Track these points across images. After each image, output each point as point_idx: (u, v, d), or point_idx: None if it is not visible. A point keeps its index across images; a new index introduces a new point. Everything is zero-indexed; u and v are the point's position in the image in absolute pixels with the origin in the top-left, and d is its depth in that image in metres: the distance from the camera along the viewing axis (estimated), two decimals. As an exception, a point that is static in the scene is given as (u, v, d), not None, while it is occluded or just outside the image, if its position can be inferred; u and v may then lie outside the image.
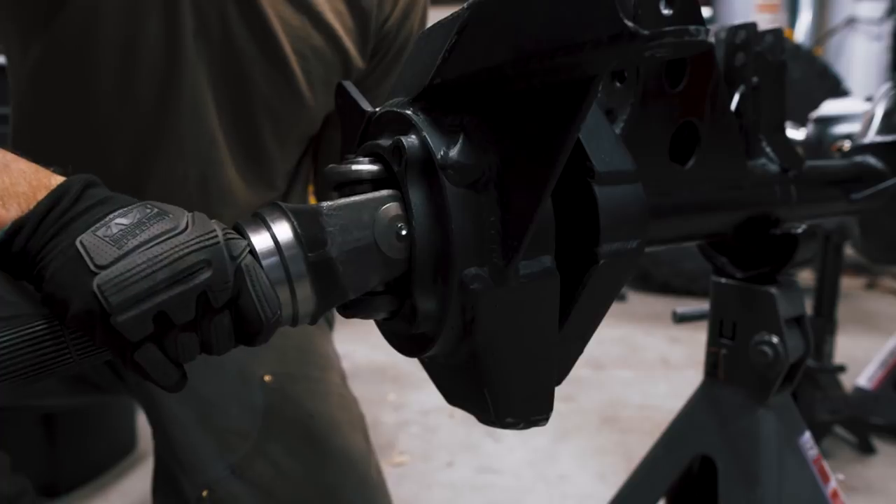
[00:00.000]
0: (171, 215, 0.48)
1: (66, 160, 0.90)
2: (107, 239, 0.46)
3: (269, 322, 0.47)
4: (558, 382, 0.54)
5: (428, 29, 0.51)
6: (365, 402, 1.18)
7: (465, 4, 0.45)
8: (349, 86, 0.61)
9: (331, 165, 0.53)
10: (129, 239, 0.46)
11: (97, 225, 0.47)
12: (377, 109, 0.55)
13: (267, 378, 1.03)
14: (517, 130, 0.46)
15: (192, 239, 0.46)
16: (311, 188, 1.27)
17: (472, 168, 0.47)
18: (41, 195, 0.52)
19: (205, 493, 0.97)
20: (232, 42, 0.93)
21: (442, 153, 0.47)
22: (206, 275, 0.45)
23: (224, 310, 0.47)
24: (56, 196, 0.51)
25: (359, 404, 1.14)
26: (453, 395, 0.56)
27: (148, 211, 0.48)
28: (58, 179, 0.54)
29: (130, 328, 0.44)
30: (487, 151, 0.47)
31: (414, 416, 2.26)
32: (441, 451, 2.02)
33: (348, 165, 0.52)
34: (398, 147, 0.48)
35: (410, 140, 0.48)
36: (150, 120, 0.95)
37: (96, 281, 0.44)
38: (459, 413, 0.69)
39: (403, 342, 0.55)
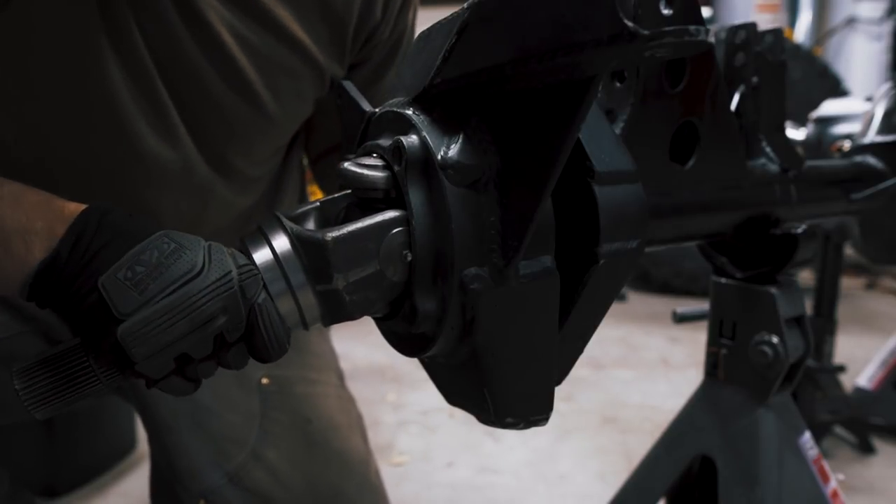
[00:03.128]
0: (188, 251, 0.49)
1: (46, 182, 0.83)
2: (128, 283, 0.48)
3: (278, 355, 0.51)
4: (558, 382, 0.54)
5: (428, 29, 0.51)
6: (365, 402, 1.18)
7: (465, 4, 0.45)
8: (349, 86, 0.61)
9: (342, 166, 0.52)
10: (150, 283, 0.48)
11: (118, 265, 0.49)
12: (377, 109, 0.55)
13: (264, 381, 1.02)
14: (517, 130, 0.46)
15: (210, 285, 0.48)
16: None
17: (472, 168, 0.47)
18: (60, 229, 0.53)
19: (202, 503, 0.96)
20: (189, 67, 0.82)
21: (442, 153, 0.47)
22: (222, 320, 0.48)
23: (239, 342, 0.51)
24: (77, 233, 0.52)
25: (356, 404, 1.14)
26: (453, 395, 0.56)
27: (166, 247, 0.49)
28: (71, 208, 0.54)
29: (153, 372, 0.49)
30: (487, 151, 0.47)
31: (414, 416, 2.26)
32: (441, 451, 2.02)
33: (361, 170, 0.51)
34: (398, 147, 0.48)
35: (410, 140, 0.48)
36: (117, 150, 0.84)
37: (120, 331, 0.47)
38: (459, 413, 0.69)
39: (403, 342, 0.55)
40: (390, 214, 0.49)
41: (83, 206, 0.54)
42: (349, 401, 1.12)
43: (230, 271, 0.49)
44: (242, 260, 0.50)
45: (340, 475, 1.01)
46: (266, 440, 0.99)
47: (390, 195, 0.50)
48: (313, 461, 0.99)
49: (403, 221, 0.49)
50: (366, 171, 0.50)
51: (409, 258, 0.49)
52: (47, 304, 0.54)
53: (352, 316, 0.51)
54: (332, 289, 0.49)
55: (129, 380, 0.52)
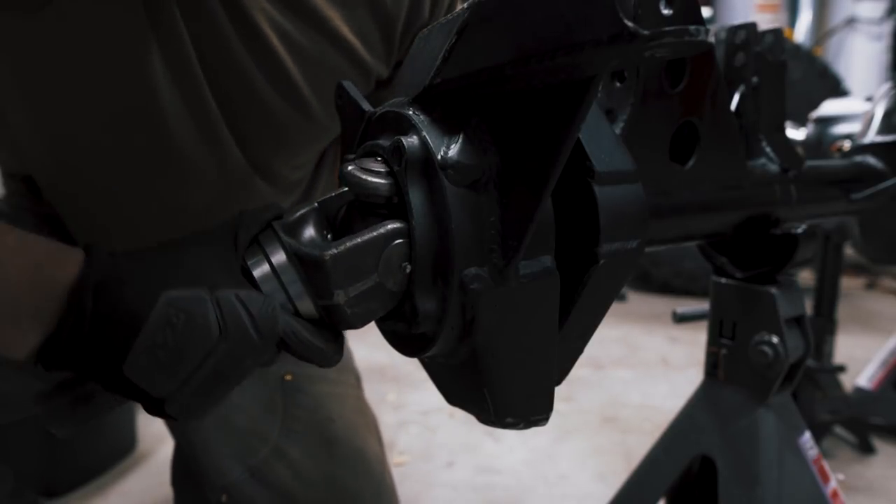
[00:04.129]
0: (199, 317, 0.49)
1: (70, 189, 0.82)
2: (153, 369, 0.49)
3: (323, 360, 0.53)
4: (558, 382, 0.54)
5: (428, 29, 0.51)
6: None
7: (465, 4, 0.45)
8: (349, 86, 0.61)
9: (350, 169, 0.51)
10: (176, 364, 0.49)
11: (136, 352, 0.49)
12: (377, 109, 0.55)
13: (287, 377, 1.03)
14: (517, 130, 0.46)
15: (234, 350, 0.49)
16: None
17: (472, 168, 0.47)
18: (52, 308, 0.50)
19: (224, 499, 0.96)
20: (240, 75, 0.81)
21: (442, 153, 0.47)
22: (254, 368, 0.51)
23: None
24: (71, 321, 0.50)
25: (370, 407, 1.14)
26: (453, 395, 0.56)
27: (176, 321, 0.49)
28: (62, 274, 0.51)
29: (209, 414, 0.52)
30: (487, 151, 0.47)
31: (414, 416, 2.26)
32: (441, 451, 2.02)
33: (364, 176, 0.50)
34: (398, 147, 0.48)
35: (410, 140, 0.48)
36: (154, 149, 0.84)
37: (167, 410, 0.50)
38: (459, 413, 0.69)
39: (403, 342, 0.55)
40: (389, 227, 0.49)
41: (74, 272, 0.51)
42: (366, 403, 1.12)
43: (247, 328, 0.49)
44: (254, 300, 0.50)
45: (359, 475, 1.01)
46: (288, 437, 1.00)
47: (392, 201, 0.50)
48: (333, 460, 1.00)
49: (403, 233, 0.49)
50: (369, 178, 0.50)
51: (409, 269, 0.49)
52: (58, 369, 0.52)
53: (354, 326, 0.52)
54: (334, 304, 0.50)
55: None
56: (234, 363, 0.49)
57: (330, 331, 0.53)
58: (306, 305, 0.52)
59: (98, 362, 0.50)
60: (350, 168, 0.50)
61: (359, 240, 0.49)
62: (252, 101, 0.83)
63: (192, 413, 0.51)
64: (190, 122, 0.82)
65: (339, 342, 0.54)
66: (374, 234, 0.49)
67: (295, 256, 0.51)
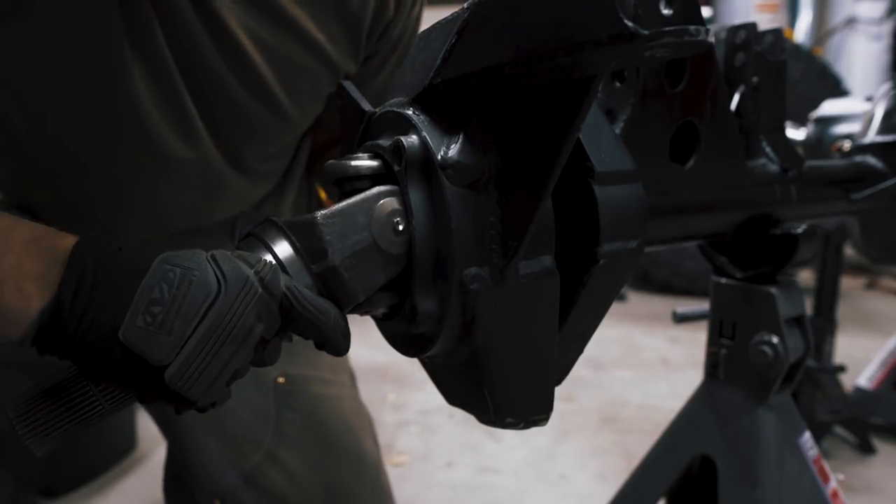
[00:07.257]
0: (196, 272, 0.47)
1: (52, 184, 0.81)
2: (151, 328, 0.46)
3: (335, 328, 0.50)
4: (558, 382, 0.54)
5: (428, 29, 0.51)
6: (365, 402, 1.18)
7: (465, 4, 0.45)
8: (349, 86, 0.61)
9: (330, 161, 0.53)
10: (174, 321, 0.46)
11: (132, 312, 0.46)
12: (377, 109, 0.55)
13: (280, 380, 1.02)
14: (517, 130, 0.46)
15: (236, 301, 0.46)
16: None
17: (472, 168, 0.47)
18: (54, 273, 0.49)
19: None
20: (210, 70, 0.83)
21: (442, 153, 0.47)
22: (260, 327, 0.48)
23: (275, 336, 0.50)
24: (76, 279, 0.48)
25: (366, 406, 1.14)
26: (453, 395, 0.56)
27: (172, 276, 0.47)
28: (62, 246, 0.51)
29: (214, 400, 0.49)
30: (487, 151, 0.47)
31: (414, 416, 2.26)
32: (441, 451, 2.02)
33: (347, 161, 0.52)
34: (398, 147, 0.48)
35: (410, 140, 0.48)
36: (137, 150, 0.86)
37: (168, 379, 0.45)
38: (459, 413, 0.69)
39: (403, 342, 0.55)
40: (378, 189, 0.50)
41: (72, 242, 0.51)
42: (361, 403, 1.12)
43: (248, 276, 0.47)
44: (252, 258, 0.49)
45: (355, 478, 1.01)
46: (281, 441, 0.99)
47: (378, 177, 0.51)
48: (328, 463, 0.99)
49: (392, 193, 0.49)
50: (351, 162, 0.51)
51: (402, 227, 0.49)
52: (52, 353, 0.50)
53: (356, 296, 0.50)
54: (329, 266, 0.49)
55: (128, 400, 0.51)
56: (237, 316, 0.46)
57: (332, 304, 0.50)
58: (304, 280, 0.50)
59: (95, 336, 0.47)
60: (330, 161, 0.52)
61: (348, 201, 0.50)
62: (221, 94, 0.85)
63: (195, 383, 0.46)
64: (167, 118, 0.84)
65: (345, 320, 0.51)
66: (363, 195, 0.50)
67: (288, 228, 0.50)
